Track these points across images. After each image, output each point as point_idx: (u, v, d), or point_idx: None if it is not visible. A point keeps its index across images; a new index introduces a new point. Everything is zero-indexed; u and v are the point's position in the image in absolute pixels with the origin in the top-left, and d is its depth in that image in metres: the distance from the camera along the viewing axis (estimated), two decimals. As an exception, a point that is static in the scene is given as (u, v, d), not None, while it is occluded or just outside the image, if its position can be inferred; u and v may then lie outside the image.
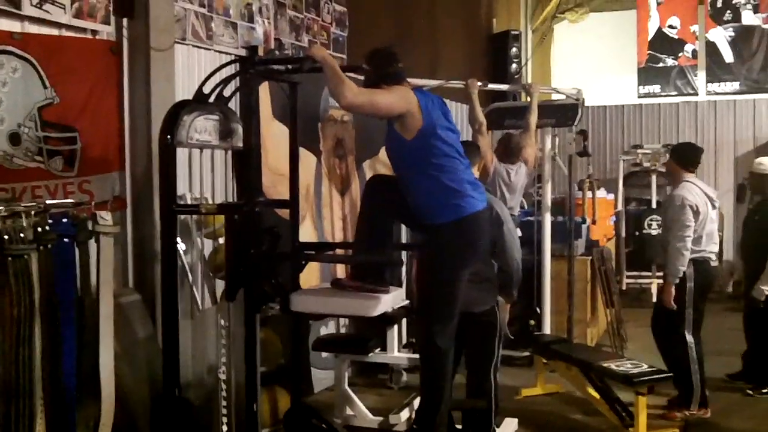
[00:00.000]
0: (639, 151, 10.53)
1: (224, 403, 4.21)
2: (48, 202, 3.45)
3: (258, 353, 3.97)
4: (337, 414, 5.44)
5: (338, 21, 6.75)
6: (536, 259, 7.03)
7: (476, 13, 10.62)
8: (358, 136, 6.52)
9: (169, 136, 3.85)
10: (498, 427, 5.08)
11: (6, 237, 3.04)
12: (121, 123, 4.56)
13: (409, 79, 5.83)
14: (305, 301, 3.97)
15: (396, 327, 5.94)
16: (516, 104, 7.15)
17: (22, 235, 3.08)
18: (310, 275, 5.79)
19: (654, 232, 10.07)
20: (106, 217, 3.49)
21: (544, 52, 12.23)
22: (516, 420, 5.48)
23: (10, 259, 3.03)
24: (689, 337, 5.65)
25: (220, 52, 5.24)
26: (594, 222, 7.60)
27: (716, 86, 11.56)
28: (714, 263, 5.77)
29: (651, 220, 10.11)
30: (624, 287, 10.24)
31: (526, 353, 6.79)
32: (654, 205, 10.35)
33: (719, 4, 11.51)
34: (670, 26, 11.76)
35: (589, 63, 12.01)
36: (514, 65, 10.67)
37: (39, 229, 3.17)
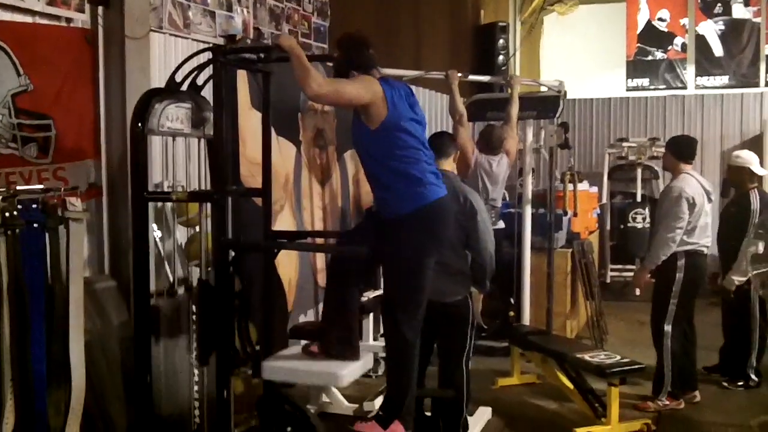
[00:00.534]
0: (625, 144, 10.56)
1: (196, 388, 4.27)
2: (18, 188, 3.48)
3: (231, 403, 4.07)
4: (312, 401, 5.50)
5: (320, 11, 6.76)
6: (516, 252, 7.07)
7: (463, 4, 10.62)
8: (339, 127, 6.54)
9: (140, 124, 3.89)
10: (471, 415, 5.14)
11: (-28, 222, 3.07)
12: (97, 111, 4.57)
13: (388, 69, 5.89)
14: (276, 370, 4.14)
15: (372, 316, 5.99)
16: (497, 96, 7.17)
17: (-11, 220, 3.12)
18: (290, 266, 5.84)
19: (639, 226, 10.12)
20: (75, 203, 3.52)
21: (532, 44, 12.24)
22: (490, 409, 5.55)
23: (-24, 243, 3.06)
24: (667, 328, 5.71)
25: (197, 41, 5.24)
26: (575, 215, 7.64)
27: (705, 80, 11.59)
28: (705, 255, 5.81)
29: (636, 213, 10.16)
30: (608, 280, 10.30)
31: (504, 344, 6.84)
32: (639, 199, 10.39)
33: (709, -3, 11.54)
34: (660, 19, 11.77)
35: (577, 56, 12.02)
36: (501, 57, 10.67)
37: (7, 215, 3.20)
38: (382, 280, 4.28)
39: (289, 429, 4.29)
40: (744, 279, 5.86)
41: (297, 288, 5.93)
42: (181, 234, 4.94)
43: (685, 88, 11.68)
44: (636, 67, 11.86)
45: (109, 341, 4.37)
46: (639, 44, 11.84)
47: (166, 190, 4.54)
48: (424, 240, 3.86)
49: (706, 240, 5.77)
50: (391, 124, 3.78)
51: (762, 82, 11.29)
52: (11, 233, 3.19)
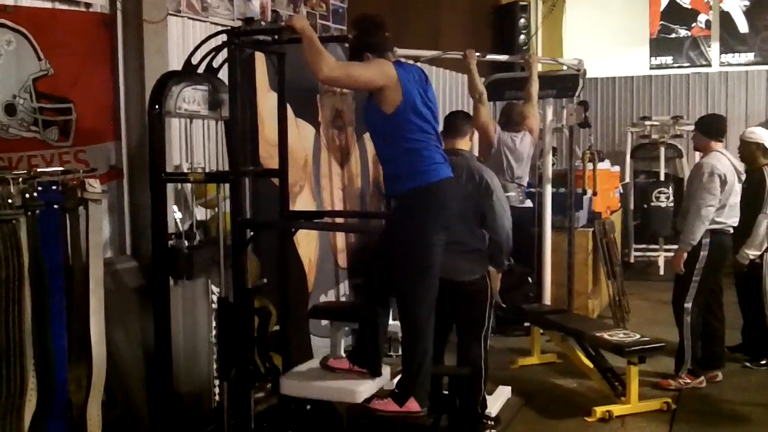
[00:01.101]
0: (647, 122, 10.48)
1: (216, 366, 4.35)
2: (38, 170, 3.55)
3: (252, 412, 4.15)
4: (332, 381, 5.55)
5: (338, -8, 6.78)
6: (537, 231, 7.07)
7: (482, -18, 10.57)
8: (357, 108, 6.56)
9: (157, 106, 3.95)
10: (490, 394, 5.17)
11: (-6, 202, 3.14)
12: (116, 94, 4.64)
13: (406, 50, 5.90)
14: (294, 386, 4.22)
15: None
16: (516, 75, 7.15)
17: (10, 201, 3.18)
18: (309, 246, 5.89)
19: (663, 205, 10.06)
20: (94, 184, 3.58)
21: (554, 23, 12.15)
22: (509, 388, 5.57)
23: (-2, 224, 3.13)
24: (687, 305, 5.69)
25: (215, 24, 5.28)
26: (595, 194, 7.61)
27: (730, 57, 11.46)
28: (730, 234, 5.78)
29: (659, 192, 10.09)
30: (632, 260, 10.27)
31: (525, 323, 6.85)
32: (662, 178, 10.32)
33: (734, -27, 11.38)
34: (684, -4, 11.65)
35: (600, 34, 11.92)
36: (522, 36, 10.62)
37: (27, 196, 3.27)
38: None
39: (308, 407, 4.36)
40: (758, 253, 5.82)
41: (317, 268, 5.99)
42: (201, 215, 5.01)
43: (709, 65, 11.56)
44: (659, 44, 11.75)
45: (129, 319, 4.45)
46: (662, 22, 11.72)
47: (185, 171, 4.60)
48: (428, 217, 3.87)
49: (733, 219, 5.74)
50: (405, 109, 3.79)
51: (788, 58, 11.15)
52: (31, 214, 3.25)
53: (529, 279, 6.93)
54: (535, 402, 5.56)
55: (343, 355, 4.67)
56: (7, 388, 3.27)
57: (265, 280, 4.75)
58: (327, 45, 3.90)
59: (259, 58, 5.06)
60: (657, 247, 10.15)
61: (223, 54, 4.18)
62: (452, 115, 5.06)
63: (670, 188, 10.04)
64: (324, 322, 5.91)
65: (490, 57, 6.88)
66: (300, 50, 3.76)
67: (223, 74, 4.26)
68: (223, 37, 4.14)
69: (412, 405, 3.92)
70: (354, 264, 6.35)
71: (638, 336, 5.42)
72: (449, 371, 4.91)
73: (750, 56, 11.35)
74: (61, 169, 3.75)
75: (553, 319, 6.14)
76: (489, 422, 4.87)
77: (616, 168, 9.21)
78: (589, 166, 7.53)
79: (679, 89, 11.54)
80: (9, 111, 4.12)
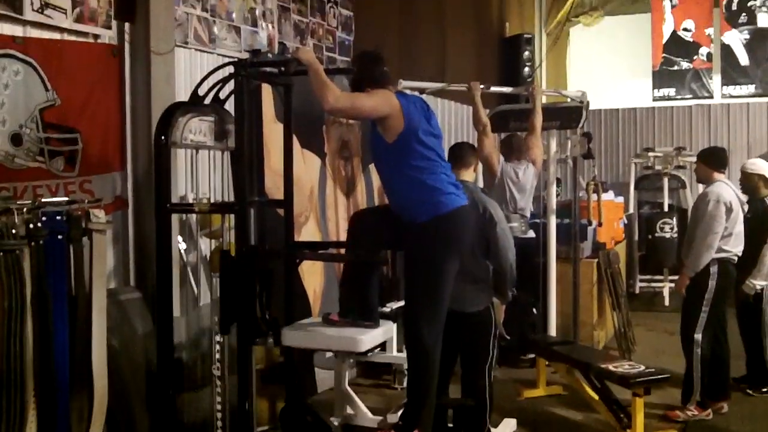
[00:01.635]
0: (651, 154, 10.50)
1: (219, 399, 4.31)
2: (43, 200, 3.56)
3: (253, 376, 4.11)
4: (336, 413, 5.51)
5: (344, 25, 6.83)
6: (542, 262, 7.05)
7: (487, 16, 10.66)
8: (363, 139, 6.58)
9: (163, 137, 3.96)
10: (495, 427, 5.12)
11: (-2, 232, 3.14)
12: (123, 124, 4.67)
13: (411, 82, 5.95)
14: (295, 336, 4.19)
15: (395, 327, 5.99)
16: (520, 107, 7.19)
17: (14, 231, 3.18)
18: (314, 276, 5.88)
19: (667, 236, 10.04)
20: (99, 214, 3.58)
21: (559, 55, 12.24)
22: (515, 420, 5.50)
23: (1, 253, 3.13)
24: (697, 336, 5.66)
25: (222, 55, 5.33)
26: (600, 224, 7.60)
27: (731, 89, 11.50)
28: (735, 263, 5.76)
29: (663, 223, 10.07)
30: (637, 291, 10.23)
31: (531, 355, 6.81)
32: (666, 209, 10.32)
33: (734, 7, 11.46)
34: (685, 29, 11.72)
35: (604, 66, 12.00)
36: (527, 69, 10.68)
37: (31, 226, 3.27)
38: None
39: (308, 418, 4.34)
40: (765, 283, 5.80)
41: (322, 299, 5.97)
42: (206, 246, 5.01)
43: (711, 97, 11.61)
44: (662, 76, 11.80)
45: (134, 351, 4.44)
46: (665, 54, 11.79)
47: (190, 202, 4.60)
48: (443, 248, 3.88)
49: (739, 249, 5.73)
50: (407, 137, 3.81)
51: (789, 90, 11.20)
52: (35, 244, 3.25)
53: (534, 310, 6.90)
54: (540, 435, 5.51)
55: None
56: (6, 420, 3.25)
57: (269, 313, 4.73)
58: (333, 77, 3.93)
59: (266, 90, 5.10)
60: (662, 277, 10.12)
61: (230, 85, 4.22)
62: (457, 146, 5.07)
63: (675, 219, 10.03)
64: (328, 354, 5.89)
65: (494, 89, 6.91)
66: (307, 82, 3.78)
67: (230, 105, 4.30)
68: (230, 69, 4.17)
69: (417, 437, 3.90)
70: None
71: (643, 367, 5.37)
72: (454, 403, 4.86)
73: (751, 88, 11.40)
74: (65, 199, 3.77)
75: (558, 351, 6.09)
76: (494, 454, 4.83)
77: (620, 199, 9.21)
78: (594, 196, 7.53)
79: (681, 121, 11.57)
80: (15, 141, 4.14)
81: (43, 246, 3.31)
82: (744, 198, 5.86)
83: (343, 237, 6.34)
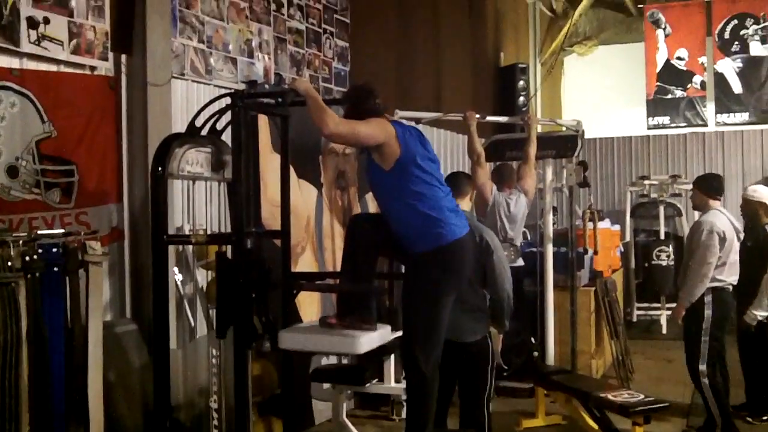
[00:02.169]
0: (646, 182, 10.53)
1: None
2: (39, 232, 3.55)
3: (249, 386, 4.04)
4: (334, 445, 5.46)
5: (340, 56, 6.87)
6: (539, 290, 7.04)
7: (482, 46, 10.73)
8: (360, 168, 6.60)
9: (160, 168, 3.96)
10: (494, 457, 5.08)
11: (-7, 265, 3.13)
12: (119, 156, 4.67)
13: (407, 112, 5.97)
14: (292, 339, 4.07)
15: (393, 357, 5.96)
16: (516, 136, 7.21)
17: (9, 263, 3.18)
18: (311, 307, 5.86)
19: (664, 263, 10.05)
20: (95, 246, 3.58)
21: (553, 84, 12.33)
22: (514, 450, 5.48)
23: (-4, 286, 3.12)
24: (702, 368, 5.63)
25: (219, 86, 5.35)
26: (596, 253, 7.60)
27: (725, 117, 11.59)
28: (731, 291, 5.75)
29: (660, 251, 10.08)
30: (634, 319, 10.20)
31: (529, 384, 6.77)
32: (662, 236, 10.33)
33: (727, 36, 11.57)
34: (679, 58, 11.82)
35: (598, 95, 12.10)
36: (521, 98, 10.74)
37: (27, 258, 3.27)
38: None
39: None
40: (766, 314, 5.78)
41: (319, 329, 5.93)
42: (202, 277, 4.99)
43: (705, 125, 11.69)
44: (656, 105, 11.88)
45: (130, 383, 4.40)
46: (658, 83, 11.88)
47: (187, 233, 4.59)
48: (444, 279, 3.88)
49: (733, 278, 5.72)
50: (405, 163, 3.82)
51: (782, 117, 11.28)
52: (31, 276, 3.25)
53: (532, 339, 6.87)
54: (540, 465, 5.46)
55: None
56: (2, 454, 3.22)
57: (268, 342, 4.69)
58: (330, 107, 3.94)
59: (263, 120, 5.11)
60: (659, 305, 10.11)
61: (227, 116, 4.23)
62: (453, 176, 5.08)
63: (671, 246, 10.04)
64: (326, 385, 5.85)
65: (490, 118, 6.94)
66: (303, 113, 3.79)
67: (227, 136, 4.30)
68: (227, 100, 4.18)
69: (414, 467, 3.86)
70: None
71: (642, 396, 5.35)
72: (453, 434, 4.83)
73: (745, 116, 11.48)
74: (62, 231, 3.77)
75: (557, 380, 6.06)
76: (494, 487, 4.78)
77: (617, 227, 9.20)
78: (590, 225, 7.53)
79: (676, 149, 11.64)
80: (11, 173, 4.13)
81: (39, 278, 3.30)
82: (740, 226, 5.86)
83: (340, 267, 6.34)
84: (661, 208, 10.36)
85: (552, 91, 12.56)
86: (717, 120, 11.63)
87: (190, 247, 4.72)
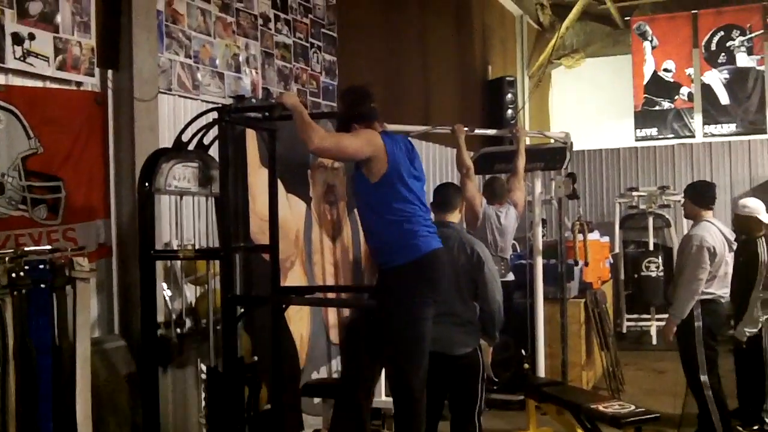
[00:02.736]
0: (635, 193, 10.58)
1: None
2: (26, 249, 3.53)
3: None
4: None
5: (328, 70, 6.87)
6: (529, 302, 7.04)
7: (470, 59, 10.77)
8: (349, 183, 6.59)
9: (147, 183, 3.95)
10: (486, 470, 5.06)
11: (-21, 283, 3.11)
12: (106, 171, 4.64)
13: (395, 125, 5.97)
14: None
15: (383, 372, 5.93)
16: (504, 149, 7.23)
17: (-5, 280, 3.15)
18: (301, 322, 5.83)
19: (653, 275, 10.08)
20: (83, 263, 3.56)
21: (541, 97, 12.38)
22: (506, 464, 5.46)
23: (-17, 304, 3.10)
24: (704, 379, 5.63)
25: (206, 101, 5.33)
26: (586, 264, 7.60)
27: (713, 128, 11.66)
28: (724, 303, 5.74)
29: (649, 262, 10.12)
30: (624, 330, 10.22)
31: (520, 396, 6.76)
32: (651, 248, 10.36)
33: (713, 47, 11.66)
34: (666, 70, 11.90)
35: (586, 107, 12.16)
36: (510, 111, 10.78)
37: (13, 275, 3.24)
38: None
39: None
40: (756, 330, 5.78)
41: (309, 344, 5.91)
42: (191, 292, 4.97)
43: (693, 136, 11.76)
44: (644, 117, 11.95)
45: (118, 400, 4.37)
46: (646, 95, 11.95)
47: (175, 248, 4.57)
48: (420, 290, 3.88)
49: (724, 290, 5.71)
50: (391, 177, 3.82)
51: (769, 128, 11.35)
52: (18, 293, 3.22)
53: (523, 351, 6.86)
54: (532, 478, 5.44)
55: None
56: (-11, 473, 3.19)
57: (255, 358, 4.68)
58: (317, 121, 3.94)
59: (250, 135, 5.10)
60: (649, 316, 10.14)
61: (214, 131, 4.22)
62: (442, 188, 5.08)
63: (660, 257, 10.09)
64: (317, 400, 5.82)
65: (478, 131, 6.96)
66: (291, 127, 3.79)
67: (214, 151, 4.29)
68: (214, 114, 4.18)
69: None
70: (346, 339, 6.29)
71: (633, 407, 5.35)
72: (444, 448, 4.81)
73: (732, 127, 11.56)
74: (49, 247, 3.74)
75: (548, 392, 6.04)
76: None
77: (606, 238, 9.22)
78: (579, 236, 7.54)
79: (664, 160, 11.70)
80: (-3, 190, 4.11)
81: (26, 295, 3.28)
82: (732, 236, 5.83)
83: (329, 281, 6.33)
84: (650, 220, 10.41)
85: (540, 104, 12.61)
86: (704, 131, 11.71)
87: (179, 262, 4.69)
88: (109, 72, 4.66)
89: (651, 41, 11.98)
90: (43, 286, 3.40)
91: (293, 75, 6.42)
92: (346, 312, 6.38)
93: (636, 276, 10.24)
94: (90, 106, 4.55)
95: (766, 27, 11.51)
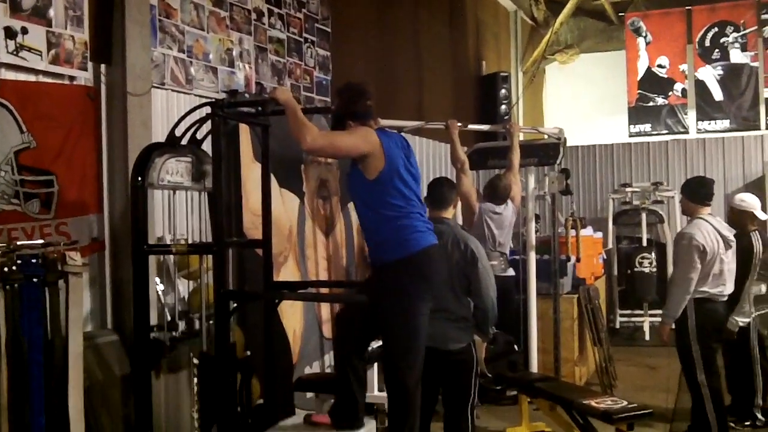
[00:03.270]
0: (628, 189, 10.60)
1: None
2: (18, 243, 3.52)
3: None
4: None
5: (321, 65, 6.87)
6: (522, 298, 7.05)
7: (464, 55, 10.77)
8: (342, 177, 6.58)
9: (140, 178, 3.94)
10: (479, 465, 5.08)
11: (-29, 277, 3.10)
12: (99, 166, 4.63)
13: (389, 121, 5.97)
14: None
15: (376, 366, 5.94)
16: (498, 144, 7.23)
17: (-13, 275, 3.14)
18: (294, 317, 5.83)
19: (646, 270, 10.09)
20: (75, 257, 3.55)
21: (535, 93, 12.39)
22: (498, 458, 5.47)
23: (-26, 298, 3.09)
24: (702, 378, 5.62)
25: (199, 96, 5.33)
26: (579, 260, 7.62)
27: (706, 124, 11.69)
28: (721, 302, 5.71)
29: (642, 258, 10.13)
30: (617, 326, 10.24)
31: (513, 392, 6.77)
32: (645, 243, 10.37)
33: (707, 44, 11.69)
34: (660, 66, 11.92)
35: (580, 103, 12.17)
36: (503, 107, 10.79)
37: (6, 269, 3.23)
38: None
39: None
40: (747, 321, 5.79)
41: (302, 339, 5.91)
42: (184, 287, 4.96)
43: (686, 132, 11.79)
44: (638, 112, 11.97)
45: (111, 395, 4.37)
46: (640, 90, 11.97)
47: (168, 243, 4.56)
48: (415, 286, 3.87)
49: (719, 288, 5.63)
50: (388, 174, 3.82)
51: (762, 124, 11.40)
52: (10, 288, 3.21)
53: (516, 347, 6.87)
54: (524, 473, 5.45)
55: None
56: (-19, 468, 3.18)
57: (248, 353, 4.68)
58: (311, 116, 3.94)
59: (244, 130, 5.09)
60: (642, 312, 10.15)
61: (208, 126, 4.21)
62: (437, 183, 5.07)
63: (653, 253, 10.10)
64: (309, 395, 5.83)
65: (472, 127, 6.96)
66: (285, 121, 3.78)
67: (207, 146, 4.28)
68: (207, 109, 4.17)
69: (398, 478, 3.85)
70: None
71: (626, 403, 5.35)
72: (437, 443, 4.82)
73: (726, 123, 11.59)
74: (41, 241, 3.73)
75: (540, 387, 6.05)
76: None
77: (599, 234, 9.24)
78: (572, 232, 7.56)
79: (658, 156, 11.72)
80: (-11, 184, 4.10)
81: (18, 290, 3.27)
82: (730, 233, 5.78)
83: (322, 276, 6.33)
84: (643, 216, 10.42)
85: (534, 100, 12.61)
86: (698, 127, 11.74)
87: (172, 257, 4.69)
88: (102, 66, 4.65)
89: (645, 37, 12.00)
90: (35, 280, 3.38)
91: (287, 70, 6.42)
92: (339, 307, 6.39)
93: (629, 272, 10.24)
94: (83, 101, 4.54)
95: (760, 23, 11.54)
